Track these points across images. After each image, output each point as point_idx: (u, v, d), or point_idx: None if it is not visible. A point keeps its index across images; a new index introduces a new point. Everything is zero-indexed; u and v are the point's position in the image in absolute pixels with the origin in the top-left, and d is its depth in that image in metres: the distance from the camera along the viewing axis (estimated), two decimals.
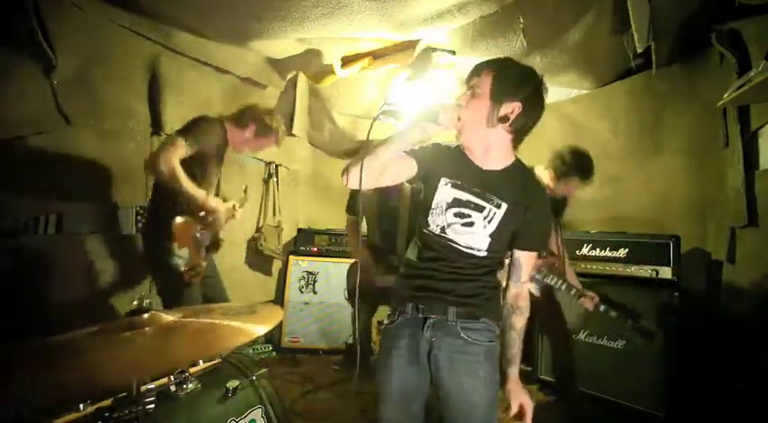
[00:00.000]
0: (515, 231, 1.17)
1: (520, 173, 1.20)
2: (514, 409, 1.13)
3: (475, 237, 1.15)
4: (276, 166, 3.38)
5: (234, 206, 2.12)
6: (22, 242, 1.93)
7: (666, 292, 2.08)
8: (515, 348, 1.18)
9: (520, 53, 2.43)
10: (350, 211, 2.70)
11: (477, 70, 1.13)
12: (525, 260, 1.20)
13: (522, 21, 2.16)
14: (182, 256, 1.85)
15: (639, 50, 2.17)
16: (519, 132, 1.14)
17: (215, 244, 2.09)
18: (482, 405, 1.10)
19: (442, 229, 1.17)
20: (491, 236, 1.15)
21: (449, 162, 1.19)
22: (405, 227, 2.46)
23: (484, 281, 1.21)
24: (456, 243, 1.16)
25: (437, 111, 1.10)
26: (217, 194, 2.12)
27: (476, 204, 1.15)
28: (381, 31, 2.32)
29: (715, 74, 2.27)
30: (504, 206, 1.14)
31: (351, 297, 2.75)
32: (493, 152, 1.16)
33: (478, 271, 1.19)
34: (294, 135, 3.33)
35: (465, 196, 1.16)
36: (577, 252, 2.47)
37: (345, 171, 1.11)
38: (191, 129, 1.86)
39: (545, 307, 2.17)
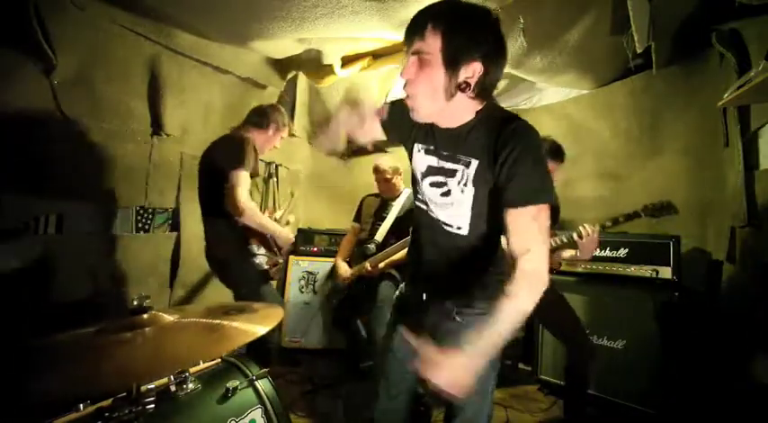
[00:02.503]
0: (498, 188, 0.96)
1: (490, 122, 0.98)
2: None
3: (455, 209, 1.04)
4: (276, 166, 3.38)
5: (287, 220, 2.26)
6: (22, 242, 1.93)
7: (666, 292, 2.08)
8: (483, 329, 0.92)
9: (520, 53, 2.43)
10: (355, 220, 2.79)
11: (420, 28, 0.90)
12: (513, 221, 0.93)
13: (522, 21, 2.15)
14: (262, 254, 1.97)
15: (639, 51, 2.17)
16: (484, 91, 0.95)
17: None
18: (477, 386, 1.05)
19: (426, 203, 1.11)
20: (472, 207, 1.01)
21: (418, 124, 1.06)
22: (393, 215, 2.52)
23: (479, 268, 1.11)
24: (438, 219, 1.08)
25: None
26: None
27: (447, 169, 1.03)
28: (381, 31, 2.32)
29: (715, 74, 2.27)
30: (475, 163, 0.98)
31: (329, 300, 2.79)
32: (457, 114, 1.00)
33: (467, 255, 1.09)
34: (294, 135, 3.33)
35: (436, 162, 1.04)
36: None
37: (316, 142, 1.15)
38: (243, 156, 1.87)
39: (548, 304, 2.13)
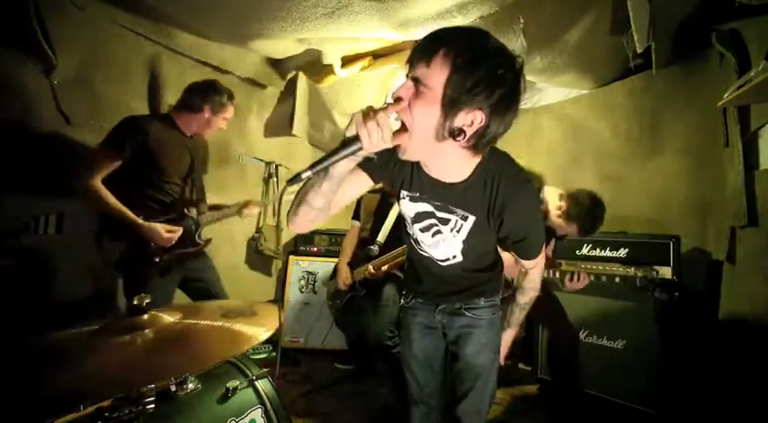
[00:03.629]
0: (504, 239, 1.07)
1: (489, 178, 0.94)
2: (501, 360, 1.36)
3: (447, 247, 1.12)
4: (276, 165, 3.38)
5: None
6: (22, 242, 1.93)
7: (666, 292, 2.08)
8: (513, 317, 1.36)
9: (520, 53, 2.42)
10: (354, 218, 2.75)
11: (429, 52, 0.75)
12: (531, 266, 1.24)
13: (522, 21, 2.15)
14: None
15: (639, 51, 2.17)
16: (480, 144, 0.83)
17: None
18: (486, 364, 1.27)
19: (417, 243, 1.20)
20: (464, 243, 1.08)
21: (404, 170, 0.99)
22: (394, 216, 2.51)
23: (476, 275, 1.26)
24: (432, 257, 1.19)
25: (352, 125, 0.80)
26: (199, 198, 2.10)
27: (439, 217, 1.02)
28: (381, 31, 2.32)
29: (715, 74, 2.26)
30: (472, 218, 0.99)
31: (332, 301, 2.76)
32: (450, 165, 0.91)
33: (465, 274, 1.24)
34: (294, 135, 3.33)
35: (426, 208, 1.02)
36: (577, 252, 2.47)
37: (290, 222, 0.97)
38: (111, 136, 1.78)
39: (544, 303, 2.17)
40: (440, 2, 2.02)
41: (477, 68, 0.74)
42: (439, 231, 1.08)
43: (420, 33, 2.37)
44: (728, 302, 2.10)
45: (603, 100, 2.99)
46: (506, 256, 1.52)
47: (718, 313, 2.13)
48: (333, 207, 0.94)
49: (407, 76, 0.80)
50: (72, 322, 0.98)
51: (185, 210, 2.00)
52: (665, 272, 2.14)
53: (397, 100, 0.79)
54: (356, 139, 0.76)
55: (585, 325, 2.32)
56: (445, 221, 1.04)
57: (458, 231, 1.04)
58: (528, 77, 2.87)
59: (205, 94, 1.97)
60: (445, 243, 1.10)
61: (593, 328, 2.30)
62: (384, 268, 2.40)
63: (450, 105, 0.75)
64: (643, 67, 2.63)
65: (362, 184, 0.99)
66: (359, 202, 2.77)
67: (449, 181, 0.95)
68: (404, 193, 1.03)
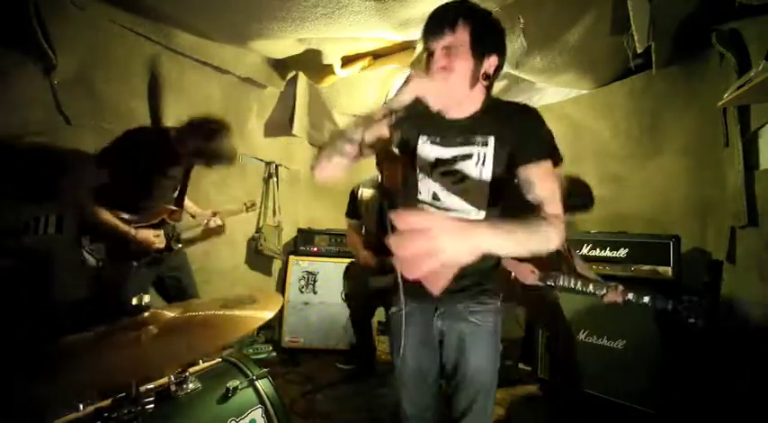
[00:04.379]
0: (514, 154, 1.03)
1: (499, 104, 1.10)
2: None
3: (472, 194, 1.07)
4: (276, 165, 3.38)
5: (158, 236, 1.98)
6: (22, 242, 1.93)
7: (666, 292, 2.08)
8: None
9: (520, 53, 2.43)
10: (350, 216, 2.70)
11: (451, 22, 0.98)
12: (536, 175, 0.99)
13: (522, 21, 2.15)
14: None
15: (639, 51, 2.17)
16: (492, 81, 1.07)
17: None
18: (487, 374, 1.17)
19: (434, 196, 1.10)
20: (491, 183, 1.05)
21: (421, 115, 1.06)
22: None
23: (485, 261, 1.11)
24: (450, 210, 1.09)
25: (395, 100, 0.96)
26: (176, 206, 2.13)
27: (462, 155, 1.07)
28: (381, 31, 2.32)
29: (715, 74, 2.26)
30: (492, 139, 1.05)
31: (348, 300, 2.76)
32: (467, 103, 1.08)
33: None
34: (294, 135, 3.33)
35: (448, 152, 1.08)
36: (577, 252, 2.47)
37: (315, 166, 1.10)
38: (109, 149, 1.83)
39: (544, 303, 2.18)
40: (440, 2, 2.02)
41: (484, 25, 1.00)
42: (463, 177, 1.07)
43: (420, 33, 2.37)
44: (728, 302, 2.10)
45: (603, 100, 2.99)
46: (514, 261, 1.51)
47: (718, 313, 2.13)
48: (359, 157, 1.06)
49: (432, 48, 1.01)
50: (72, 322, 0.98)
51: (165, 217, 2.05)
52: (666, 272, 2.14)
53: (443, 68, 0.99)
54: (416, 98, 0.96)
55: (585, 325, 2.32)
56: (468, 157, 1.06)
57: (483, 164, 1.06)
58: (528, 77, 2.90)
59: (200, 138, 1.93)
60: (469, 192, 1.06)
61: (593, 328, 2.30)
62: None
63: (478, 54, 0.99)
64: (643, 67, 2.63)
65: (379, 131, 1.07)
66: (354, 198, 2.70)
67: (465, 115, 1.08)
68: (423, 138, 1.11)
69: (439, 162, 1.09)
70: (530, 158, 1.01)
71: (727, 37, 2.08)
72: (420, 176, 1.13)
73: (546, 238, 0.88)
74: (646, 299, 1.82)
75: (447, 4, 1.02)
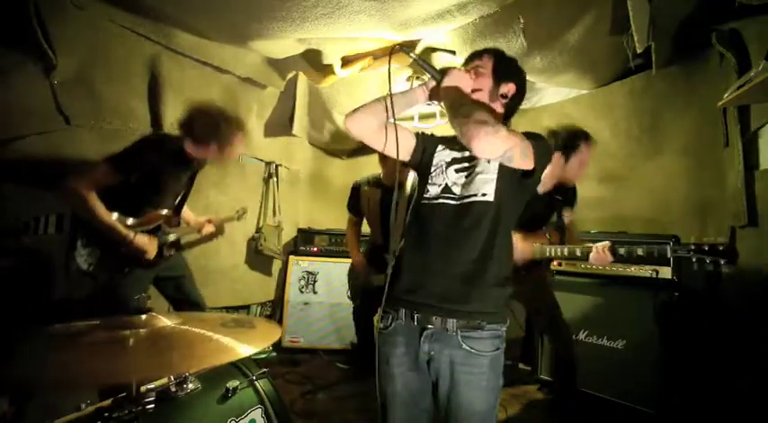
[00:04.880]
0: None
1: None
2: None
3: (481, 182, 1.11)
4: (276, 166, 3.38)
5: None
6: (22, 242, 1.93)
7: (666, 292, 2.08)
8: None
9: (520, 53, 2.43)
10: (350, 210, 2.69)
11: (479, 54, 1.26)
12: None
13: (522, 21, 2.15)
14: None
15: (639, 51, 2.17)
16: (508, 111, 1.26)
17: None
18: (483, 412, 1.05)
19: (445, 188, 1.16)
20: (499, 172, 1.10)
21: (441, 137, 1.30)
22: (401, 221, 2.45)
23: (491, 267, 1.06)
24: (458, 198, 1.11)
25: (438, 70, 1.19)
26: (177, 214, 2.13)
27: (473, 156, 1.14)
28: (381, 31, 2.32)
29: (715, 74, 2.26)
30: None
31: (353, 298, 2.76)
32: None
33: (482, 243, 1.06)
34: (294, 135, 3.33)
35: (462, 154, 1.21)
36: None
37: (351, 114, 1.18)
38: (122, 154, 1.76)
39: (538, 296, 2.18)
40: (440, 2, 2.02)
41: (507, 61, 1.26)
42: (475, 170, 1.15)
43: (420, 33, 2.37)
44: (728, 302, 2.10)
45: (603, 100, 2.99)
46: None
47: (718, 313, 2.13)
48: (386, 148, 1.19)
49: (467, 68, 1.25)
50: (72, 323, 0.98)
51: (160, 223, 2.02)
52: (665, 272, 2.14)
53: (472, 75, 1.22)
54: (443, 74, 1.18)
55: (585, 325, 2.32)
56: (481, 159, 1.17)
57: (489, 161, 1.15)
58: (528, 77, 2.88)
59: (214, 130, 1.90)
60: (478, 181, 1.12)
61: (593, 328, 2.30)
62: None
63: (498, 78, 1.21)
64: (643, 67, 2.63)
65: (408, 137, 1.24)
66: (356, 194, 2.69)
67: None
68: (441, 146, 1.26)
69: (454, 161, 1.21)
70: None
71: (727, 37, 2.08)
72: (433, 176, 1.20)
73: (487, 123, 0.99)
74: (641, 250, 1.67)
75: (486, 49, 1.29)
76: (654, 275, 2.17)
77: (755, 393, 1.79)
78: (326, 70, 2.89)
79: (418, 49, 2.58)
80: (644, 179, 2.76)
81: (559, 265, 2.44)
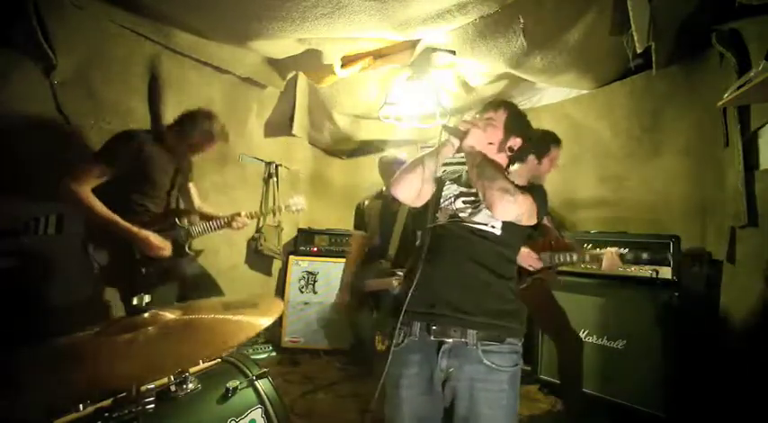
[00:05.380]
0: None
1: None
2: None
3: (487, 214, 1.20)
4: (276, 165, 3.38)
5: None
6: (22, 242, 1.93)
7: (666, 292, 2.08)
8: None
9: (520, 53, 2.43)
10: (356, 228, 2.69)
11: (495, 106, 1.35)
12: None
13: (522, 21, 2.15)
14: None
15: (639, 51, 2.16)
16: (511, 161, 1.37)
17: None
18: None
19: (453, 215, 1.25)
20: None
21: (450, 176, 1.41)
22: (400, 227, 2.45)
23: (507, 284, 1.16)
24: (468, 221, 1.21)
25: (462, 131, 1.25)
26: (189, 209, 2.19)
27: (476, 192, 1.25)
28: (381, 31, 2.32)
29: (715, 74, 2.26)
30: None
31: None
32: None
33: (498, 268, 1.16)
34: (294, 135, 3.33)
35: (467, 189, 1.31)
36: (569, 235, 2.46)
37: (396, 182, 1.26)
38: (105, 149, 1.83)
39: (544, 306, 2.17)
40: (440, 2, 2.02)
41: (519, 117, 1.35)
42: (479, 206, 1.24)
43: (420, 33, 2.37)
44: (728, 302, 2.10)
45: (603, 100, 2.99)
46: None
47: (718, 313, 2.13)
48: (420, 197, 1.27)
49: (483, 117, 1.33)
50: (72, 323, 0.98)
51: (176, 220, 2.04)
52: (665, 272, 2.14)
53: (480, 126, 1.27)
54: (464, 133, 1.24)
55: (585, 325, 2.32)
56: None
57: None
58: (528, 77, 2.90)
59: (193, 124, 2.03)
60: (485, 213, 1.21)
61: (594, 328, 2.30)
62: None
63: (508, 132, 1.30)
64: (643, 67, 2.63)
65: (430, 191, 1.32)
66: (360, 211, 2.66)
67: None
68: (449, 182, 1.36)
69: (461, 194, 1.31)
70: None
71: (727, 37, 2.07)
72: (442, 206, 1.30)
73: (507, 192, 1.10)
74: (644, 255, 1.95)
75: (502, 101, 1.38)
76: (654, 275, 2.17)
77: (755, 393, 1.79)
78: (326, 70, 2.89)
79: (418, 49, 2.59)
80: (644, 179, 2.76)
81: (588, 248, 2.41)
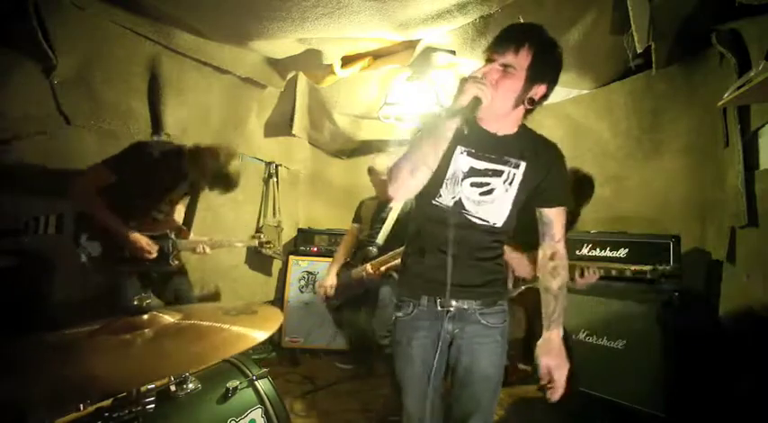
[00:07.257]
0: (540, 189, 1.18)
1: (532, 134, 1.23)
2: (542, 371, 1.21)
3: (494, 206, 1.16)
4: (276, 166, 3.38)
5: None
6: (22, 242, 1.93)
7: (666, 292, 2.08)
8: (551, 309, 1.20)
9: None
10: (353, 222, 2.73)
11: (517, 44, 1.05)
12: (557, 217, 1.20)
13: (521, 20, 2.15)
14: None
15: (639, 50, 2.17)
16: (535, 107, 1.16)
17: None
18: (495, 376, 1.21)
19: (458, 202, 1.15)
20: (513, 202, 1.16)
21: (459, 130, 1.09)
22: (392, 221, 2.48)
23: (496, 261, 1.23)
24: (472, 216, 1.16)
25: (468, 107, 1.02)
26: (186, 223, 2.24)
27: (494, 170, 1.16)
28: (381, 31, 2.32)
29: (715, 74, 2.26)
30: (523, 165, 1.16)
31: (326, 301, 2.70)
32: (506, 120, 1.17)
33: (491, 253, 1.21)
34: (294, 135, 3.33)
35: (481, 164, 1.15)
36: (577, 252, 2.47)
37: (391, 180, 1.08)
38: (118, 157, 1.90)
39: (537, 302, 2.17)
40: (440, 2, 2.02)
41: (546, 56, 1.09)
42: (491, 190, 1.15)
43: (420, 33, 2.38)
44: (728, 302, 2.10)
45: (603, 100, 2.99)
46: (516, 255, 1.51)
47: (718, 313, 2.13)
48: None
49: (492, 60, 1.08)
50: (72, 322, 0.98)
51: (168, 231, 2.09)
52: (665, 272, 2.14)
53: (495, 82, 1.06)
54: (475, 98, 1.01)
55: (585, 325, 2.32)
56: (499, 173, 1.15)
57: (510, 183, 1.15)
58: None
59: (215, 160, 2.07)
60: (492, 205, 1.15)
61: (593, 328, 2.30)
62: (382, 269, 2.38)
63: (531, 80, 1.07)
64: (643, 67, 2.63)
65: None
66: (359, 207, 2.75)
67: (502, 133, 1.17)
68: (461, 148, 1.15)
69: (471, 172, 1.16)
70: (555, 202, 1.20)
71: (728, 37, 2.07)
72: (447, 183, 1.16)
73: (564, 285, 1.20)
74: (628, 272, 1.86)
75: (523, 24, 1.21)
76: (654, 275, 2.17)
77: (755, 393, 1.79)
78: (326, 70, 2.89)
79: (418, 49, 2.58)
80: (644, 179, 2.76)
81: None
